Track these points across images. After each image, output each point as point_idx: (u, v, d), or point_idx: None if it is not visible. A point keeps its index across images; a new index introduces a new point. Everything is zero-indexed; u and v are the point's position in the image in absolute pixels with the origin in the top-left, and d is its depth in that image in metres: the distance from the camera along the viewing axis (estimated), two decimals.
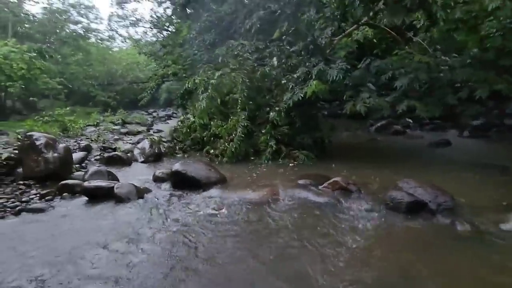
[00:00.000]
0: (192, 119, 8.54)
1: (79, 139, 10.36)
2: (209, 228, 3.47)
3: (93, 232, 3.37)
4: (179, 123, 9.09)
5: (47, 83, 16.62)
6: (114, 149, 8.15)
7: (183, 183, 4.81)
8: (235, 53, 7.53)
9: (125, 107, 22.82)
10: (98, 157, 7.49)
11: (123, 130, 12.59)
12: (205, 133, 8.00)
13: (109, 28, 29.79)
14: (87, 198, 4.50)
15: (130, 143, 9.67)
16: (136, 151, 7.33)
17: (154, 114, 22.37)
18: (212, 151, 6.98)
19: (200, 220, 3.67)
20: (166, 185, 4.98)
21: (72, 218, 3.83)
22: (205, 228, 3.46)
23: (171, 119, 19.58)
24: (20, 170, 5.56)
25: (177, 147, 8.03)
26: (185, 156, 7.61)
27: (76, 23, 27.00)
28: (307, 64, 6.60)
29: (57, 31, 24.68)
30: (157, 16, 22.02)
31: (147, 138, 8.36)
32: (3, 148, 6.36)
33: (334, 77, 5.49)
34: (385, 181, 4.64)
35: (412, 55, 6.71)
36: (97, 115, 17.32)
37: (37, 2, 24.79)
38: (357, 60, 7.82)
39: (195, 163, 5.28)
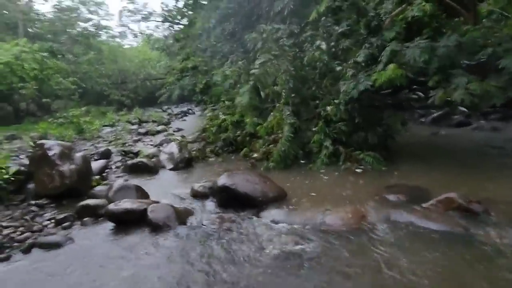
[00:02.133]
0: (222, 116, 7.50)
1: (96, 141, 9.55)
2: (288, 274, 2.41)
3: (131, 284, 2.36)
4: (208, 121, 8.04)
5: (60, 83, 15.92)
6: (136, 154, 7.20)
7: (232, 200, 3.77)
8: (274, 37, 6.36)
9: (139, 104, 22.14)
10: (119, 163, 6.57)
11: (141, 130, 11.74)
12: (238, 132, 6.96)
13: (120, 23, 29.04)
14: (113, 224, 3.53)
15: (151, 144, 8.75)
16: (163, 156, 6.33)
17: (169, 111, 21.51)
18: (255, 155, 5.89)
19: (271, 259, 2.63)
20: (210, 204, 3.94)
21: (97, 258, 2.84)
22: (282, 274, 2.41)
23: (187, 115, 18.64)
24: (32, 186, 4.65)
25: (207, 150, 7.01)
26: (219, 160, 6.57)
27: (87, 20, 26.33)
28: (365, 45, 5.40)
29: (68, 29, 24.02)
30: (168, 9, 20.99)
31: (173, 141, 7.38)
32: (13, 160, 5.44)
33: (417, 58, 4.30)
34: (509, 195, 3.45)
35: (492, 29, 5.41)
36: (112, 114, 16.57)
37: (47, 1, 24.18)
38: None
39: (244, 173, 4.22)
